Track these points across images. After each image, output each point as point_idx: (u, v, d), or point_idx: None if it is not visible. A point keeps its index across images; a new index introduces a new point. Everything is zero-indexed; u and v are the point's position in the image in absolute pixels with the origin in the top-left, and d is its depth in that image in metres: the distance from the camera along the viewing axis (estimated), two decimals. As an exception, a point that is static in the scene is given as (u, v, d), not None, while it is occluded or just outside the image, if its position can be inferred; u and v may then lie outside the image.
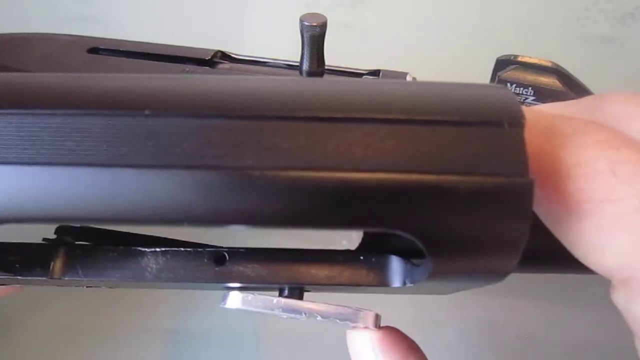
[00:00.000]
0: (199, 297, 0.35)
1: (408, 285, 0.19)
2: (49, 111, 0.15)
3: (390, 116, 0.15)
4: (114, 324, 0.35)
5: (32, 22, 0.42)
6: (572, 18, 0.49)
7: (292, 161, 0.14)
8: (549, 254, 0.18)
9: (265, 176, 0.14)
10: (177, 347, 0.34)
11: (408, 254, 0.19)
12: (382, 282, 0.20)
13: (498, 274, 0.16)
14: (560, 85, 0.30)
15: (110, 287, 0.24)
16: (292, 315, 0.20)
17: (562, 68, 0.30)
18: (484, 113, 0.15)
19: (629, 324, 0.17)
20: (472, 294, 0.24)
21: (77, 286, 0.22)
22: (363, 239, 0.20)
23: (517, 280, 0.19)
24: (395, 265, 0.19)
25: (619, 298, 0.17)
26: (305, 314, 0.20)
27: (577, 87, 0.30)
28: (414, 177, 0.14)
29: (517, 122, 0.15)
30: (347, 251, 0.20)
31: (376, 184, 0.14)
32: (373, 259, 0.20)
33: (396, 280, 0.19)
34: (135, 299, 0.35)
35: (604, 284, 0.17)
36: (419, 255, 0.18)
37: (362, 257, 0.20)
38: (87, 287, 0.22)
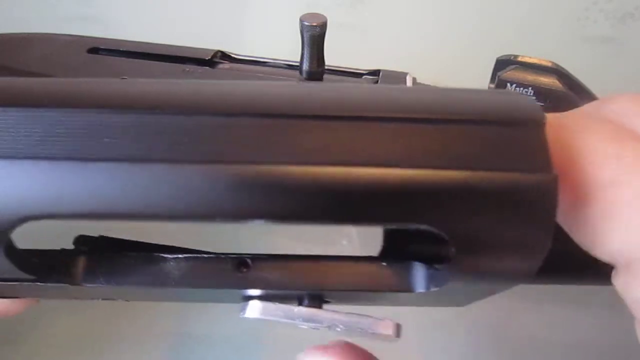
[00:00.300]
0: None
1: (432, 289, 0.18)
2: (86, 109, 0.15)
3: (421, 115, 0.15)
4: (121, 331, 0.34)
5: (32, 22, 0.41)
6: (572, 18, 0.49)
7: (327, 158, 0.15)
8: (562, 262, 0.18)
9: (305, 172, 0.15)
10: (183, 352, 0.34)
11: (430, 261, 0.19)
12: (405, 287, 0.19)
13: (523, 272, 0.16)
14: (560, 85, 0.30)
15: (126, 300, 0.23)
16: (313, 325, 0.19)
17: (562, 68, 0.30)
18: (507, 113, 0.16)
19: (630, 308, 0.17)
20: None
21: (92, 299, 0.22)
22: (383, 246, 0.20)
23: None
24: (418, 270, 0.19)
25: (621, 282, 0.17)
26: (325, 323, 0.19)
27: (577, 87, 0.30)
28: (443, 173, 0.15)
29: (538, 121, 0.16)
30: (369, 257, 0.20)
31: (406, 180, 0.15)
32: (396, 265, 0.20)
33: (420, 285, 0.19)
34: (140, 306, 0.35)
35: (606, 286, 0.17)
36: (441, 261, 0.18)
37: (384, 263, 0.20)
38: (102, 299, 0.22)
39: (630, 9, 0.49)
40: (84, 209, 0.15)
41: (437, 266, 0.19)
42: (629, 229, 0.16)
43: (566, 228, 0.17)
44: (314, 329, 0.20)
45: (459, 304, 0.22)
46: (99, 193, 0.14)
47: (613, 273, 0.17)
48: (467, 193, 0.15)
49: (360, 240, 0.36)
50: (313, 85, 0.17)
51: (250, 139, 0.15)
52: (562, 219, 0.17)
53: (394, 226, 0.19)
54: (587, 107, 0.19)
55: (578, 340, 0.35)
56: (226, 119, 0.15)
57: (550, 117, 0.18)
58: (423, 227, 0.15)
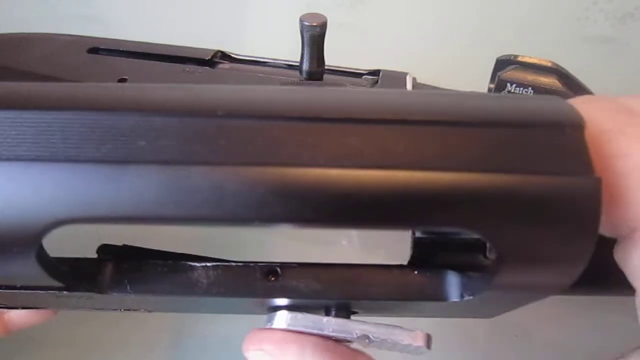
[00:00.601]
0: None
1: (466, 298, 0.18)
2: (124, 112, 0.15)
3: (463, 119, 0.15)
4: (120, 332, 0.34)
5: (32, 22, 0.41)
6: (572, 18, 0.49)
7: (365, 161, 0.15)
8: (602, 279, 0.18)
9: (345, 174, 0.14)
10: (182, 352, 0.34)
11: (460, 269, 0.19)
12: (439, 296, 0.19)
13: (560, 282, 0.16)
14: (560, 85, 0.30)
15: (149, 311, 0.23)
16: (342, 336, 0.19)
17: (562, 68, 0.30)
18: (547, 117, 0.16)
19: (630, 279, 0.17)
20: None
21: (115, 309, 0.21)
22: (412, 255, 0.20)
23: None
24: (452, 278, 0.19)
25: (621, 252, 0.17)
26: (356, 334, 0.19)
27: (577, 87, 0.30)
28: (485, 176, 0.15)
29: (577, 124, 0.16)
30: (400, 266, 0.20)
31: (450, 184, 0.15)
32: (428, 273, 0.19)
33: (454, 294, 0.19)
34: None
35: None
36: (473, 269, 0.18)
37: (416, 272, 0.19)
38: (124, 310, 0.21)
39: (630, 9, 0.49)
40: (117, 212, 0.14)
41: (471, 274, 0.18)
42: (632, 200, 0.16)
43: (617, 258, 0.17)
44: (342, 340, 0.19)
45: (487, 315, 0.21)
46: (133, 196, 0.14)
47: (615, 247, 0.17)
48: (510, 195, 0.15)
49: (360, 240, 0.36)
50: (353, 91, 0.16)
51: (286, 141, 0.15)
52: (616, 250, 0.17)
53: (443, 229, 0.18)
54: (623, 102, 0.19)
55: (578, 339, 0.35)
56: (258, 122, 0.15)
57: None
58: (466, 230, 0.15)
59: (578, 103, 0.17)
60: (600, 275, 0.18)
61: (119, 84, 0.16)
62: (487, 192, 0.15)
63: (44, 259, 0.16)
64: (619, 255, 0.17)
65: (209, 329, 0.35)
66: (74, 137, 0.15)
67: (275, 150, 0.15)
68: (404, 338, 0.19)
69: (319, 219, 0.15)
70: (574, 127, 0.16)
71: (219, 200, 0.14)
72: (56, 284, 0.18)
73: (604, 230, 0.17)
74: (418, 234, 0.19)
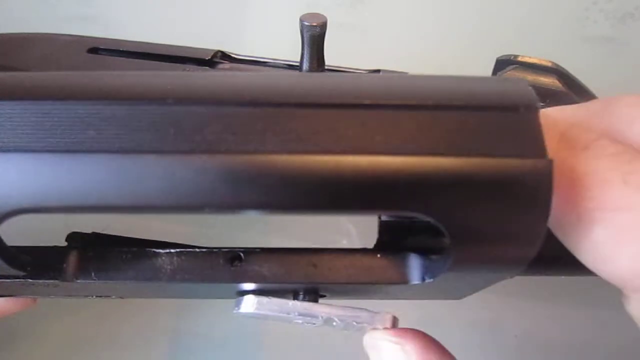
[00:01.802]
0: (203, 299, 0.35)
1: (427, 280, 0.18)
2: (73, 101, 0.15)
3: (411, 102, 0.15)
4: (119, 331, 0.34)
5: (32, 22, 0.41)
6: (572, 18, 0.49)
7: (313, 146, 0.15)
8: (558, 259, 0.18)
9: (292, 160, 0.14)
10: (181, 352, 0.34)
11: (425, 252, 0.19)
12: (401, 279, 0.19)
13: (517, 262, 0.16)
14: (560, 85, 0.30)
15: (120, 297, 0.23)
16: (308, 320, 0.19)
17: (562, 68, 0.30)
18: (500, 99, 0.16)
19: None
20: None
21: (86, 296, 0.22)
22: (379, 239, 0.20)
23: (517, 279, 0.19)
24: (414, 261, 0.19)
25: (633, 307, 0.17)
26: (322, 317, 0.19)
27: (577, 87, 0.30)
28: (435, 159, 0.15)
29: (532, 107, 0.15)
30: (364, 250, 0.20)
31: (399, 167, 0.15)
32: (391, 257, 0.19)
33: (415, 276, 0.19)
34: (138, 305, 0.35)
35: (604, 284, 0.17)
36: (436, 252, 0.18)
37: (379, 255, 0.20)
38: (96, 296, 0.22)
39: (630, 9, 0.49)
40: (69, 202, 0.14)
41: (432, 257, 0.19)
42: (636, 255, 0.15)
43: (571, 249, 0.17)
44: (310, 324, 0.20)
45: (455, 296, 0.22)
46: (87, 185, 0.14)
47: (623, 298, 0.17)
48: (460, 179, 0.15)
49: (361, 240, 0.36)
50: (306, 75, 0.16)
51: (242, 128, 0.15)
52: (567, 240, 0.17)
53: (388, 214, 0.19)
54: (596, 106, 0.19)
55: (577, 339, 0.35)
56: (216, 108, 0.15)
57: (561, 120, 0.17)
58: (417, 214, 0.15)
59: (578, 151, 0.16)
60: (562, 255, 0.18)
61: (68, 72, 0.16)
62: (435, 175, 0.15)
63: (1, 248, 0.17)
64: (632, 311, 0.17)
65: (208, 329, 0.35)
66: (22, 126, 0.15)
67: (223, 137, 0.15)
68: (370, 320, 0.19)
69: (266, 205, 0.15)
70: (528, 109, 0.15)
71: (169, 188, 0.14)
72: (16, 273, 0.18)
73: (609, 280, 0.16)
74: (384, 218, 0.19)
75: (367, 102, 0.15)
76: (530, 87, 0.16)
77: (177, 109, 0.15)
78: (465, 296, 0.21)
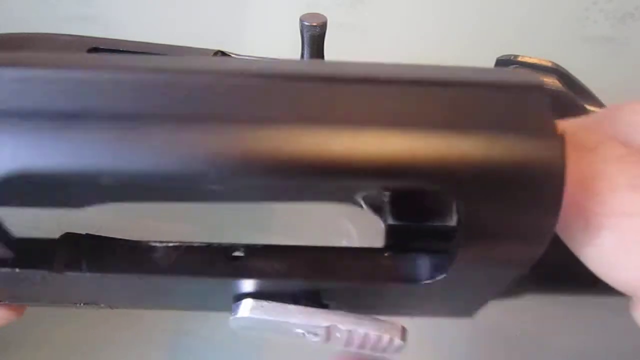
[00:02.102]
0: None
1: (438, 277, 0.18)
2: (58, 69, 0.15)
3: (424, 78, 0.15)
4: (118, 334, 0.34)
5: (32, 22, 0.41)
6: (572, 18, 0.49)
7: (336, 118, 0.14)
8: (568, 274, 0.18)
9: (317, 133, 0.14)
10: (181, 354, 0.34)
11: (433, 252, 0.18)
12: (409, 278, 0.18)
13: (528, 254, 0.16)
14: (560, 85, 0.30)
15: (110, 307, 0.22)
16: (311, 327, 0.18)
17: (562, 68, 0.30)
18: (510, 81, 0.16)
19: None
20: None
21: (75, 303, 0.21)
22: (386, 242, 0.19)
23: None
24: (422, 260, 0.18)
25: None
26: (325, 323, 0.18)
27: (577, 87, 0.30)
28: (451, 132, 0.15)
29: (539, 86, 0.15)
30: (371, 249, 0.19)
31: (408, 139, 0.14)
32: (399, 255, 0.19)
33: (424, 274, 0.18)
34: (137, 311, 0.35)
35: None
36: (444, 252, 0.18)
37: (386, 254, 0.19)
38: (84, 304, 0.21)
39: (630, 9, 0.49)
40: (68, 167, 0.14)
41: (440, 255, 0.18)
42: None
43: (579, 255, 0.17)
44: (311, 332, 0.18)
45: (464, 310, 0.21)
46: (86, 152, 0.14)
47: (631, 305, 0.17)
48: (476, 152, 0.15)
49: (361, 240, 0.36)
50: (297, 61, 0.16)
51: (258, 97, 0.14)
52: (574, 245, 0.17)
53: (403, 185, 0.18)
54: (604, 113, 0.19)
55: (578, 339, 0.35)
56: (199, 77, 0.15)
57: (568, 124, 0.17)
58: (430, 187, 0.15)
59: (585, 152, 0.16)
60: (570, 275, 0.18)
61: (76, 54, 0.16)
62: (450, 147, 0.15)
63: None
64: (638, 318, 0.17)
65: (209, 331, 0.35)
66: (4, 91, 0.14)
67: (214, 108, 0.14)
68: (377, 329, 0.18)
69: (285, 172, 0.14)
70: (538, 90, 0.15)
71: (171, 154, 0.14)
72: (4, 251, 0.17)
73: (617, 287, 0.16)
74: (390, 222, 0.19)
75: (378, 78, 0.15)
76: (536, 73, 0.16)
77: (182, 77, 0.15)
78: (475, 311, 0.21)
